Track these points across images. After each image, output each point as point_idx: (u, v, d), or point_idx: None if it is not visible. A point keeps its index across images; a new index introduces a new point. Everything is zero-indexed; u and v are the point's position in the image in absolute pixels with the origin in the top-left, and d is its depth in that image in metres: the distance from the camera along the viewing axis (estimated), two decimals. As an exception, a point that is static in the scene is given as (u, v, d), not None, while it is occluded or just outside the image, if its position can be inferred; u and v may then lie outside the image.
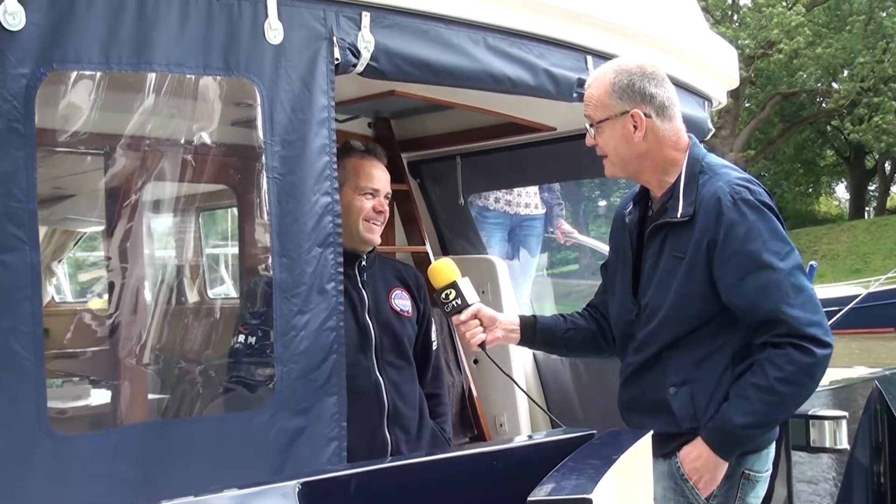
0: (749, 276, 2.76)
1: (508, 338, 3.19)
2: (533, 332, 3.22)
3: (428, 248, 4.91)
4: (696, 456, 2.86)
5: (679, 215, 2.87)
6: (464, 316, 3.09)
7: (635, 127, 2.89)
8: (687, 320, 2.87)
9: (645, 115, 2.88)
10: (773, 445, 2.99)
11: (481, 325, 3.11)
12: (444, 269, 3.15)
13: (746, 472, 2.90)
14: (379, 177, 3.39)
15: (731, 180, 2.85)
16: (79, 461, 2.29)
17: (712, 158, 2.98)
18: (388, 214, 3.45)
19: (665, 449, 2.90)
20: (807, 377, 2.75)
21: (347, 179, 3.29)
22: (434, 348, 3.72)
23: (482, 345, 3.11)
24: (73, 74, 2.51)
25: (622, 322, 3.08)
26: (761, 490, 2.96)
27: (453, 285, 3.10)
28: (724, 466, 2.86)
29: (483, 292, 4.86)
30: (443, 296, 3.11)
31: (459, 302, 3.09)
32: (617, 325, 3.13)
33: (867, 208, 47.43)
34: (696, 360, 2.88)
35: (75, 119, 2.78)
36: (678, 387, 2.90)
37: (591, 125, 2.97)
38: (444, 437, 3.64)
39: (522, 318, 3.23)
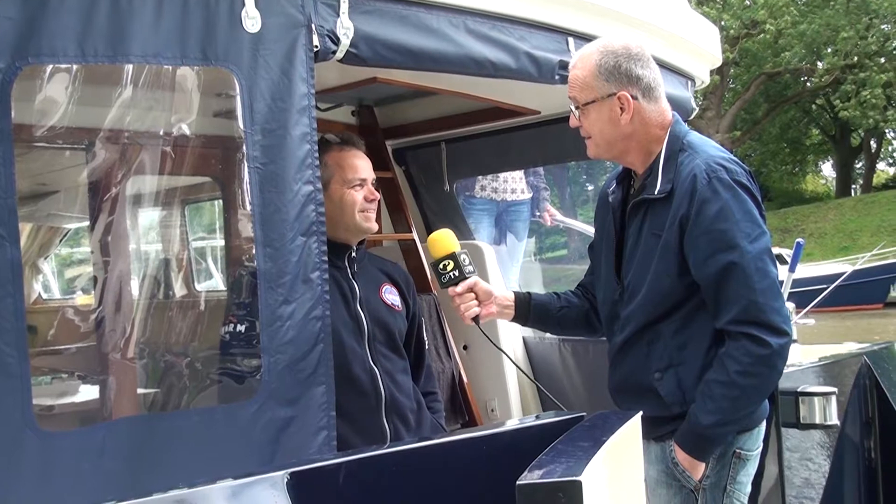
0: (716, 254, 2.75)
1: (503, 313, 3.19)
2: (527, 308, 3.21)
3: (415, 235, 4.91)
4: (682, 459, 2.87)
5: (657, 192, 2.87)
6: (460, 288, 3.07)
7: (622, 109, 2.87)
8: (665, 298, 2.87)
9: (632, 96, 2.87)
10: (764, 424, 2.99)
11: (476, 299, 3.09)
12: (443, 240, 3.12)
13: (738, 451, 2.90)
14: (363, 166, 3.38)
15: (708, 158, 2.84)
16: (66, 457, 2.27)
17: (694, 137, 2.97)
18: (378, 199, 3.44)
19: (657, 432, 2.90)
20: (766, 367, 2.75)
21: (333, 175, 3.28)
22: (426, 348, 3.72)
23: (476, 319, 3.10)
24: (49, 68, 2.48)
25: (608, 302, 3.08)
26: (752, 468, 2.96)
27: (452, 256, 3.07)
28: (702, 465, 2.86)
29: (471, 278, 4.86)
30: (440, 266, 3.08)
31: (457, 273, 3.06)
32: (603, 305, 3.12)
33: (854, 186, 47.62)
34: (679, 343, 2.88)
35: (53, 113, 2.75)
36: (663, 371, 2.89)
37: (577, 107, 2.94)
38: (443, 429, 3.64)
39: (517, 295, 3.22)
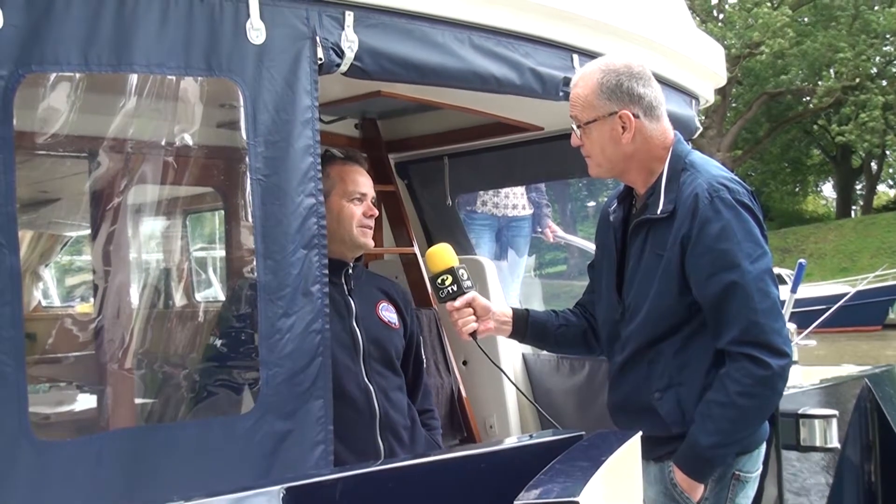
0: (718, 273, 2.73)
1: (500, 329, 3.17)
2: (525, 325, 3.19)
3: (416, 249, 4.89)
4: (681, 480, 2.85)
5: (659, 212, 2.86)
6: (458, 303, 3.04)
7: (624, 128, 2.86)
8: (667, 318, 2.85)
9: (634, 115, 2.86)
10: (764, 446, 2.97)
11: (475, 314, 3.07)
12: (441, 255, 3.10)
13: (737, 472, 2.88)
14: (364, 181, 3.38)
15: (711, 178, 2.83)
16: (61, 468, 2.26)
17: (696, 156, 2.96)
18: (376, 216, 3.43)
19: (656, 452, 2.88)
20: (766, 389, 2.73)
21: (334, 187, 3.27)
22: (424, 367, 3.71)
23: (473, 334, 3.08)
24: (53, 76, 2.48)
25: (609, 322, 3.07)
26: (751, 490, 2.94)
27: (450, 271, 3.05)
28: (701, 487, 2.84)
29: (472, 293, 4.85)
30: (438, 281, 3.05)
31: (455, 289, 3.04)
32: (604, 325, 3.11)
33: (854, 207, 47.65)
34: (680, 363, 2.86)
35: (56, 121, 2.75)
36: (663, 391, 2.88)
37: (578, 126, 2.93)
38: (438, 447, 3.62)
39: (515, 311, 3.20)
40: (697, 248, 2.76)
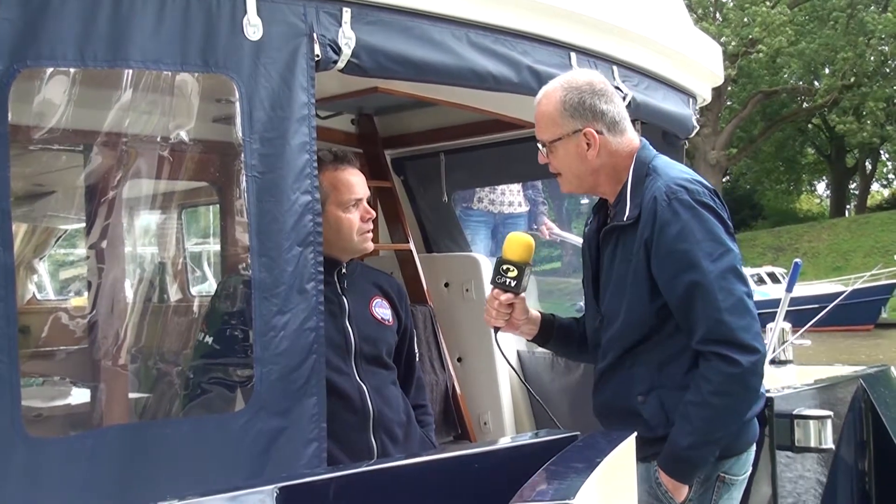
0: (679, 275, 2.75)
1: (524, 331, 3.19)
2: (551, 329, 3.22)
3: (412, 245, 4.89)
4: (665, 481, 2.86)
5: (626, 218, 2.87)
6: (504, 298, 3.05)
7: (588, 145, 2.87)
8: (641, 323, 2.86)
9: (597, 132, 2.86)
10: (753, 448, 2.98)
11: (511, 314, 3.08)
12: (523, 247, 3.06)
13: (722, 475, 2.89)
14: (357, 183, 3.34)
15: (669, 180, 2.83)
16: (53, 464, 2.25)
17: (660, 160, 2.96)
18: (373, 216, 3.42)
19: (642, 453, 2.86)
20: (738, 386, 2.74)
21: (328, 197, 3.22)
22: (417, 360, 3.71)
23: (497, 329, 3.12)
24: (48, 71, 2.46)
25: (591, 330, 3.10)
26: (737, 493, 2.95)
27: (520, 268, 3.03)
28: (685, 488, 2.85)
29: (467, 290, 4.86)
30: (504, 267, 3.04)
31: (513, 284, 3.03)
32: (589, 333, 3.14)
33: (848, 206, 47.74)
34: (660, 365, 2.87)
35: (52, 116, 2.73)
36: (645, 395, 2.88)
37: (543, 145, 2.94)
38: (432, 444, 3.61)
39: (543, 315, 3.21)
40: (660, 251, 2.78)
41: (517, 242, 3.07)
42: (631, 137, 2.95)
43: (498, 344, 3.18)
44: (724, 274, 2.74)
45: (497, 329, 3.13)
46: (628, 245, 2.86)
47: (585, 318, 3.18)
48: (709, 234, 2.76)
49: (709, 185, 2.89)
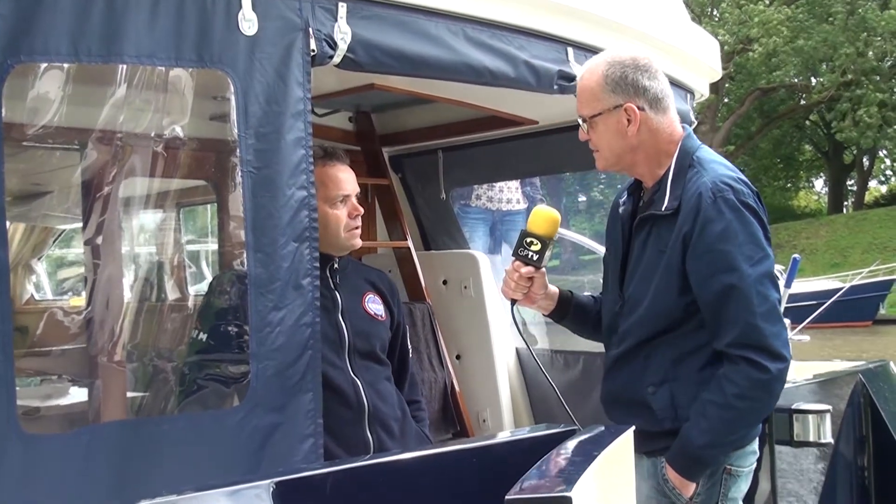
0: (717, 275, 2.72)
1: (541, 306, 3.16)
2: (568, 306, 3.19)
3: (410, 243, 4.88)
4: (673, 477, 2.85)
5: (664, 208, 2.84)
6: (524, 271, 3.02)
7: (629, 120, 2.84)
8: (665, 315, 2.84)
9: (638, 108, 2.83)
10: (756, 441, 2.97)
11: (529, 288, 3.06)
12: (549, 221, 3.03)
13: (729, 467, 2.88)
14: (346, 179, 3.34)
15: (716, 177, 2.80)
16: (50, 462, 2.24)
17: (705, 152, 2.93)
18: (362, 213, 3.41)
19: (649, 447, 2.87)
20: (763, 392, 2.73)
21: (317, 192, 3.22)
22: (410, 356, 3.71)
23: (514, 302, 3.10)
24: (42, 66, 2.45)
25: (609, 313, 3.06)
26: (744, 485, 2.94)
27: (544, 242, 3.00)
28: (693, 485, 2.84)
29: (465, 287, 4.85)
30: (527, 240, 3.01)
31: (535, 258, 3.00)
32: (605, 315, 3.11)
33: (846, 203, 47.72)
34: (676, 359, 2.86)
35: (46, 112, 2.72)
36: (657, 386, 2.87)
37: (584, 120, 2.92)
38: (427, 439, 3.61)
39: (561, 291, 3.19)
40: (698, 248, 2.75)
41: (543, 216, 3.04)
42: (674, 119, 2.93)
43: (513, 316, 3.16)
44: (761, 279, 2.72)
45: (514, 302, 3.10)
46: (664, 236, 2.84)
47: (603, 299, 3.16)
48: (751, 237, 2.74)
49: (752, 187, 2.86)
